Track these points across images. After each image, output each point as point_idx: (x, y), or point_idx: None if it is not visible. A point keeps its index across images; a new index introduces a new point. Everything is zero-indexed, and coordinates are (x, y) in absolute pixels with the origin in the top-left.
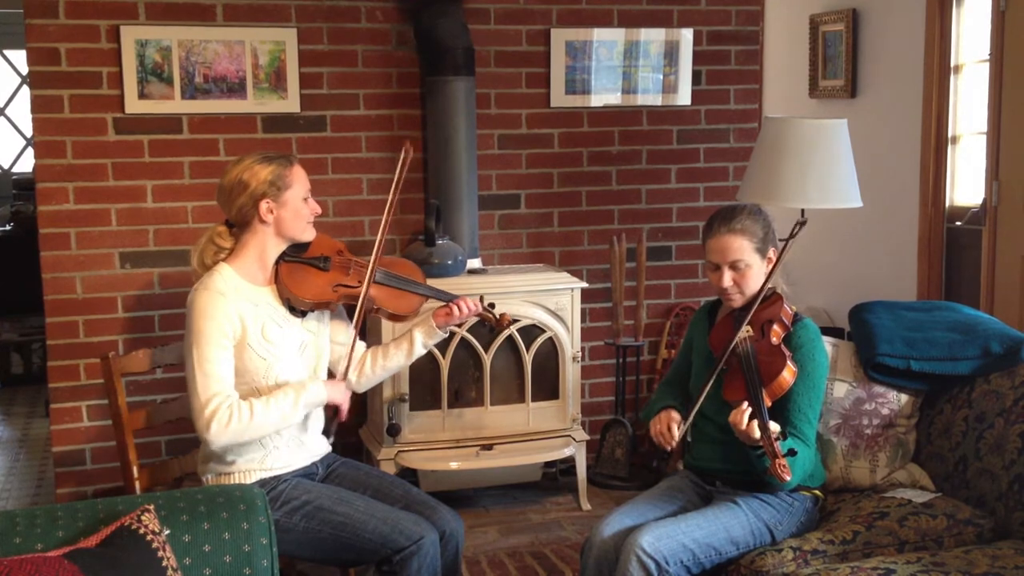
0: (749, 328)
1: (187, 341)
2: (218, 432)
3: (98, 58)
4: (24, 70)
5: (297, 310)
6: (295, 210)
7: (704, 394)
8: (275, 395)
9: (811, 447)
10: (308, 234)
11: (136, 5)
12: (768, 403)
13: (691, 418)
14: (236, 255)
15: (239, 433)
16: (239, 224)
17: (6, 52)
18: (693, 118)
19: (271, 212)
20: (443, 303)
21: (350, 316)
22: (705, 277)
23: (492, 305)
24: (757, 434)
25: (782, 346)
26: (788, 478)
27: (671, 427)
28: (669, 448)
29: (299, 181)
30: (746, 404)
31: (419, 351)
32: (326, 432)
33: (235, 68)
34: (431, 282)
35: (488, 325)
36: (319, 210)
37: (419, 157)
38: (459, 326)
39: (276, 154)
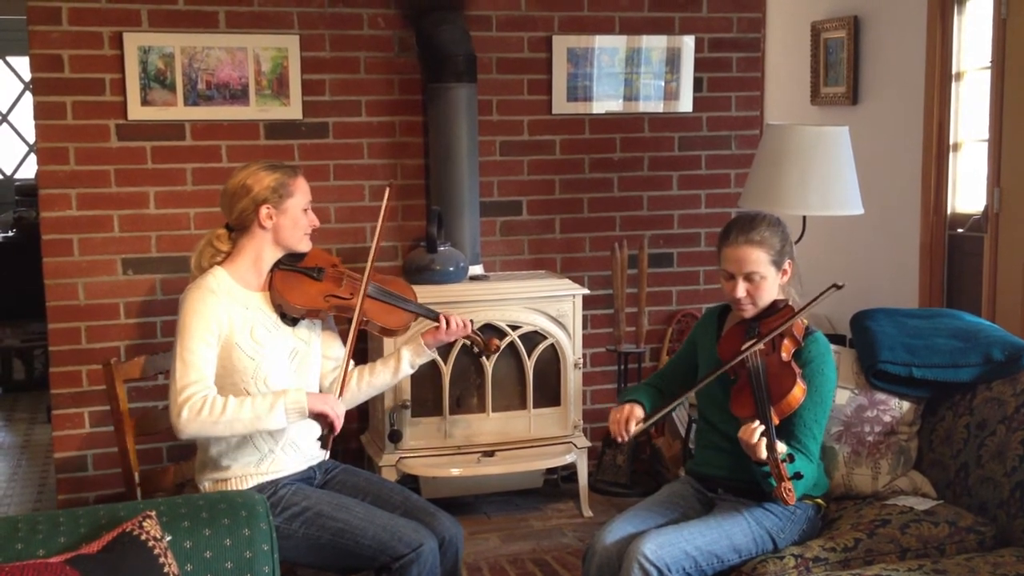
0: (760, 343)
1: (175, 336)
2: (188, 419)
3: (101, 65)
4: (27, 76)
5: (288, 317)
6: (294, 219)
7: (687, 396)
8: (254, 396)
9: (814, 462)
10: (304, 245)
11: (139, 12)
12: (776, 421)
13: (667, 411)
14: (232, 259)
15: (209, 425)
16: (238, 228)
17: (9, 58)
18: (695, 125)
19: (271, 218)
20: (433, 322)
21: (342, 331)
22: (707, 283)
23: (482, 330)
24: (764, 454)
25: (792, 363)
26: (793, 502)
27: (629, 422)
28: (620, 440)
29: (301, 191)
30: (757, 423)
31: (406, 370)
32: (322, 445)
33: (238, 75)
34: (433, 289)
35: (477, 349)
36: (317, 223)
37: (421, 163)
38: (450, 345)
39: (281, 163)
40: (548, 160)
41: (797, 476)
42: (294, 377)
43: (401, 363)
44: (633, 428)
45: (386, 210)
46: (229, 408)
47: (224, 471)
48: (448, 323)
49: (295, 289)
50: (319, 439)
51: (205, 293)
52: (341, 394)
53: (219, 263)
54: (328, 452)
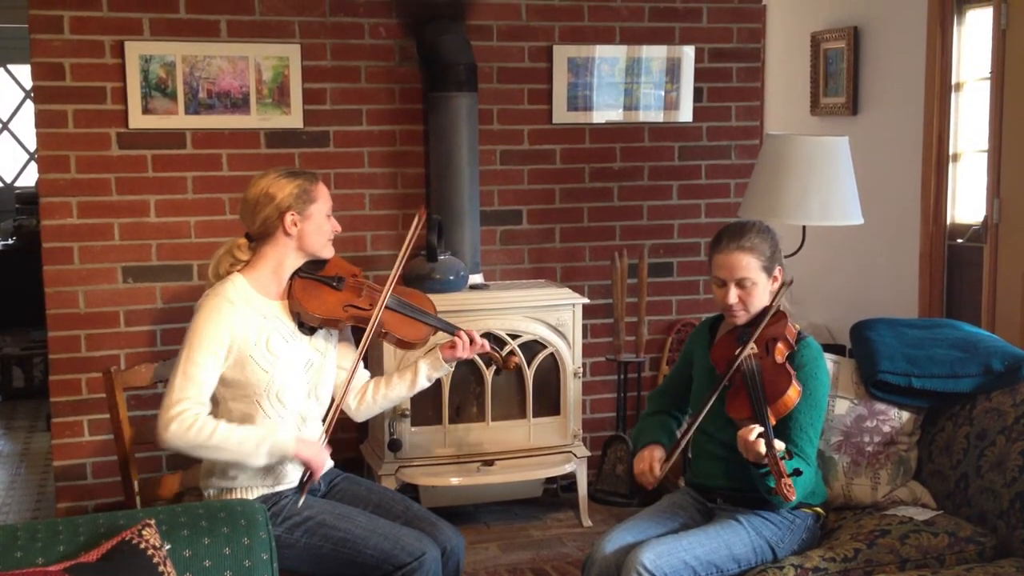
0: (754, 346)
1: (183, 342)
2: (176, 434)
3: (102, 73)
4: (28, 85)
5: (306, 326)
6: (318, 225)
7: (703, 415)
8: (246, 427)
9: (812, 466)
10: (327, 251)
11: (140, 21)
12: (773, 421)
13: (686, 440)
14: (252, 267)
15: (194, 446)
16: (261, 236)
17: (10, 67)
18: (695, 135)
19: (295, 225)
20: (451, 336)
21: (359, 342)
22: (707, 293)
23: (500, 345)
24: (763, 450)
25: (787, 364)
26: (793, 498)
27: (653, 467)
28: (650, 488)
29: (323, 197)
30: (755, 424)
31: (422, 383)
32: (297, 489)
33: (239, 84)
34: (433, 297)
35: (494, 364)
36: (339, 228)
37: (421, 172)
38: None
39: (301, 170)
40: (548, 169)
41: (796, 473)
42: (306, 388)
43: (418, 376)
44: (659, 471)
45: (415, 235)
46: (218, 435)
47: (231, 480)
48: (467, 339)
49: (314, 298)
50: (299, 480)
51: (222, 303)
52: (334, 416)
53: (238, 270)
54: (302, 499)
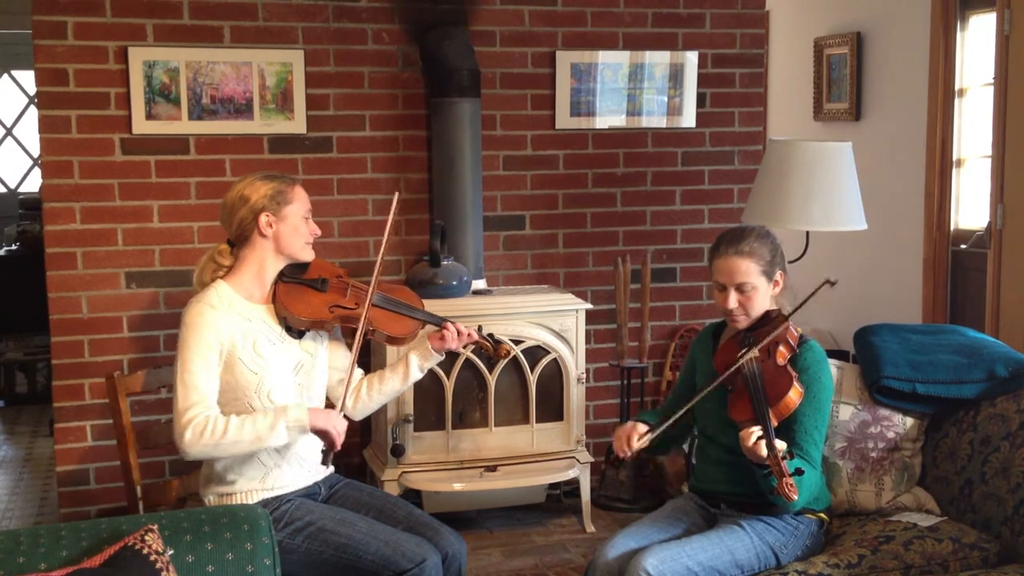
0: (755, 349)
1: (176, 353)
2: (191, 441)
3: (106, 79)
4: (32, 90)
5: (294, 330)
6: (294, 226)
7: (690, 406)
8: (255, 415)
9: (817, 469)
10: (306, 253)
11: (144, 27)
12: (774, 423)
13: (664, 426)
14: (234, 272)
15: (211, 446)
16: (239, 239)
17: (14, 72)
18: (698, 140)
19: (271, 226)
20: (439, 328)
21: (350, 343)
22: (710, 299)
23: (492, 335)
24: (764, 452)
25: (788, 367)
26: (795, 497)
27: (631, 437)
28: (622, 456)
29: (300, 199)
30: (756, 427)
31: (415, 375)
32: (323, 461)
33: (242, 89)
34: (436, 303)
35: (485, 354)
36: (318, 231)
37: (424, 177)
38: (454, 359)
39: (279, 174)
40: (551, 175)
41: (798, 472)
42: (298, 391)
43: (410, 368)
44: (636, 443)
45: (392, 223)
46: (231, 428)
47: (229, 486)
48: (454, 330)
49: (299, 301)
50: (321, 453)
51: (204, 308)
52: (343, 403)
53: (221, 277)
54: (331, 467)
